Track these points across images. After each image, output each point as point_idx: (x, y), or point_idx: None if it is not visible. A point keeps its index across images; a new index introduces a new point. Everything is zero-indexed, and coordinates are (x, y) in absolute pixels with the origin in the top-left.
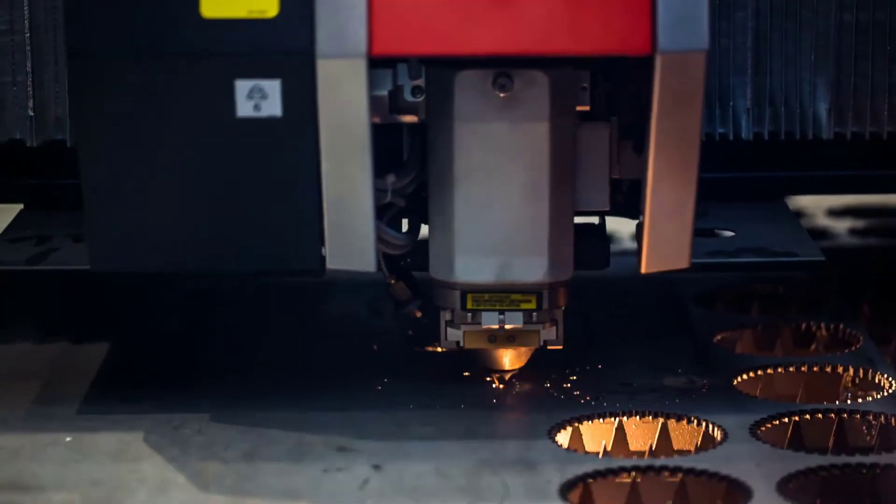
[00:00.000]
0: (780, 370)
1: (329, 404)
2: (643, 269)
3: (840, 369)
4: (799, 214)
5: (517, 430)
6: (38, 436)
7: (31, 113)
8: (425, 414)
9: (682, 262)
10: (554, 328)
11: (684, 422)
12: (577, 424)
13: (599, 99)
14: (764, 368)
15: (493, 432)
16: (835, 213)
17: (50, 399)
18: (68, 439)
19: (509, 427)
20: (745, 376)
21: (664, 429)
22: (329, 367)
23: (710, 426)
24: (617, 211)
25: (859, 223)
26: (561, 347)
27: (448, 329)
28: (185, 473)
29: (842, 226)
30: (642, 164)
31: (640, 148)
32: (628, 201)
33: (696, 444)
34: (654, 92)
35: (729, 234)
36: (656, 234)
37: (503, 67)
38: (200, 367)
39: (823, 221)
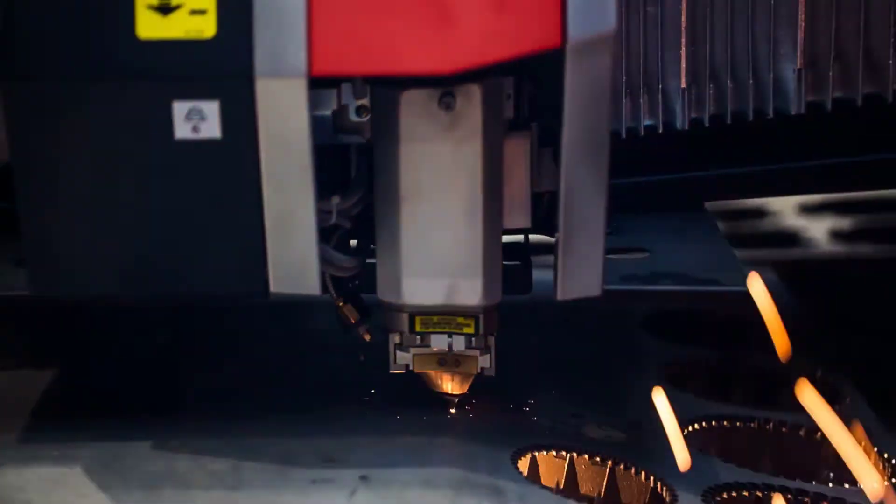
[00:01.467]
0: (738, 424)
1: (315, 416)
2: (559, 296)
3: (817, 434)
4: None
5: (502, 439)
6: (23, 452)
7: None
8: (412, 424)
9: (593, 289)
10: (487, 355)
11: (632, 471)
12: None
13: (522, 107)
14: (719, 420)
15: (479, 442)
16: (808, 209)
17: (28, 419)
18: (55, 453)
19: (495, 437)
20: (697, 426)
21: (612, 476)
22: (314, 379)
23: (659, 485)
24: (538, 228)
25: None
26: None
27: (398, 352)
28: (172, 485)
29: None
30: (558, 174)
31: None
32: (548, 217)
33: (645, 501)
34: (566, 88)
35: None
36: (570, 256)
37: (445, 86)
38: (183, 382)
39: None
